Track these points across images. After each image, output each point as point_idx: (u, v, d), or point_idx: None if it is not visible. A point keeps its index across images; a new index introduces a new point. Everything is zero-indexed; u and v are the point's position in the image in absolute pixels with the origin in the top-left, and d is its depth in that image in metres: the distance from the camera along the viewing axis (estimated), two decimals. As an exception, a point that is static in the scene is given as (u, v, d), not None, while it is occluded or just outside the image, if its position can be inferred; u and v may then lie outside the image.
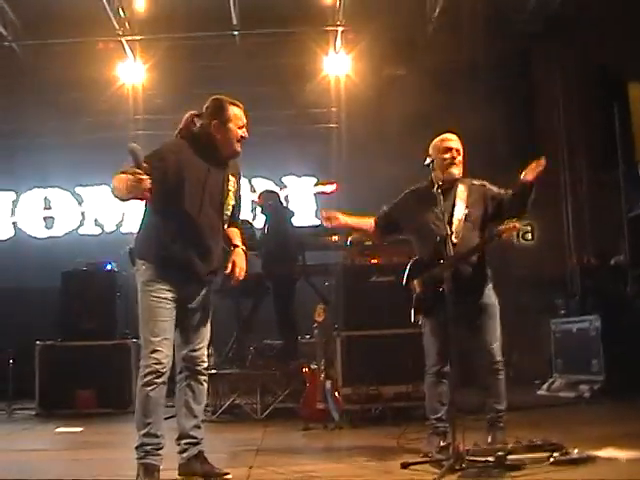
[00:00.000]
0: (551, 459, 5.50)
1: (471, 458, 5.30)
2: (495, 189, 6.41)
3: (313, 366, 8.80)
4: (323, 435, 8.03)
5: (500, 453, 5.35)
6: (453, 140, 6.44)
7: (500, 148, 12.20)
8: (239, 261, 5.66)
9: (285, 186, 14.60)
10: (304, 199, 14.50)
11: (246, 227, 10.44)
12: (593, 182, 13.51)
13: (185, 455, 5.56)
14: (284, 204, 11.29)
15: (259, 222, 13.26)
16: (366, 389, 8.75)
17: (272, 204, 10.78)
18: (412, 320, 6.31)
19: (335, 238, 9.97)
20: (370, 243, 9.36)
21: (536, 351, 12.32)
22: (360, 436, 7.75)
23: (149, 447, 5.25)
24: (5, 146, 14.44)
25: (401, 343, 8.71)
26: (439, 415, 6.22)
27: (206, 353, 5.72)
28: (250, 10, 12.55)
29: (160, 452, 5.31)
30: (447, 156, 6.34)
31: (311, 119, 14.34)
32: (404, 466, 5.65)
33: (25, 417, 10.46)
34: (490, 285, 6.36)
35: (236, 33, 12.83)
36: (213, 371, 9.71)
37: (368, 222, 6.75)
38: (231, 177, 5.69)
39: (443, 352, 6.14)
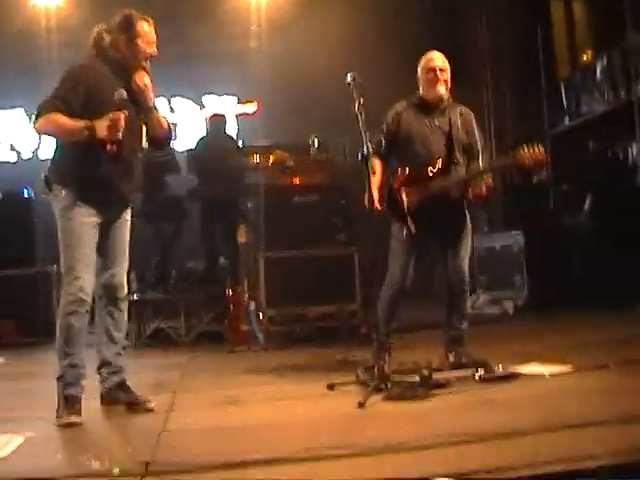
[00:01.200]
0: (476, 376, 5.55)
1: (396, 378, 5.30)
2: (476, 133, 6.36)
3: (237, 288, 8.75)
4: (248, 357, 8.01)
5: (424, 372, 5.36)
6: (437, 58, 6.35)
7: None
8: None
9: (204, 106, 14.35)
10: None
11: (168, 149, 10.36)
12: (516, 100, 13.51)
13: (107, 384, 5.45)
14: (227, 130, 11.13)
15: (180, 145, 13.16)
16: (290, 310, 8.73)
17: (217, 126, 10.66)
18: (411, 231, 6.15)
19: (256, 159, 9.82)
20: (292, 163, 9.27)
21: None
22: (286, 357, 7.69)
23: (71, 377, 5.14)
24: None
25: (325, 263, 8.74)
26: (389, 330, 6.22)
27: (125, 279, 5.56)
28: None
29: (82, 382, 5.20)
30: (431, 75, 6.27)
31: (231, 37, 14.04)
32: (330, 387, 5.64)
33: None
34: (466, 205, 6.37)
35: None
36: (135, 297, 9.62)
37: (380, 166, 6.41)
38: None
39: (408, 268, 6.18)
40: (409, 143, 6.29)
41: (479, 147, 6.28)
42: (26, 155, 14.53)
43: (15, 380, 7.48)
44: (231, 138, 11.26)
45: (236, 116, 14.21)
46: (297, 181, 9.34)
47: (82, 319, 5.21)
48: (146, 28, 5.40)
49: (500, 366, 5.66)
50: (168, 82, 13.78)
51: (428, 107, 6.32)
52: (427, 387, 5.23)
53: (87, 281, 5.21)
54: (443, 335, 6.34)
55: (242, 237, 8.91)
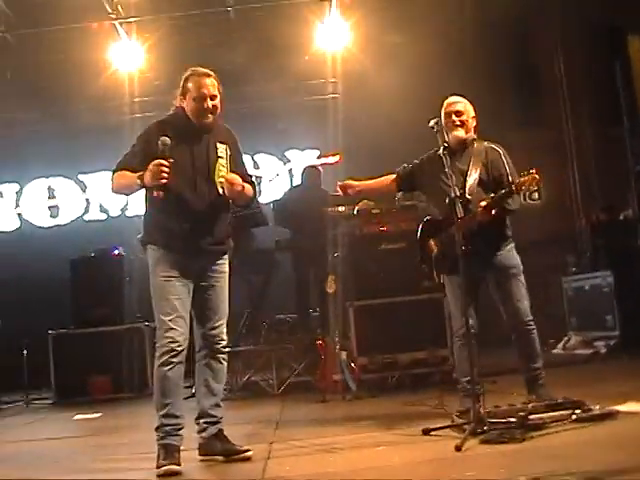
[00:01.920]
0: (573, 416, 5.47)
1: (492, 420, 5.27)
2: (504, 166, 6.31)
3: (327, 338, 8.78)
4: (341, 406, 8.00)
5: (521, 413, 5.33)
6: (454, 103, 6.50)
7: (505, 106, 12.12)
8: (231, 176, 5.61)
9: (289, 160, 14.52)
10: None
11: (254, 202, 10.49)
12: (598, 137, 13.40)
13: (205, 434, 5.54)
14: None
15: (264, 198, 13.34)
16: (382, 358, 8.73)
17: (315, 182, 10.77)
18: (435, 281, 6.21)
19: (341, 209, 9.88)
20: (377, 211, 9.31)
21: (549, 310, 12.25)
22: (379, 405, 7.72)
23: (169, 427, 5.24)
24: (5, 137, 14.37)
25: (414, 310, 8.75)
26: (470, 378, 6.15)
27: (225, 331, 5.73)
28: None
29: (180, 432, 5.31)
30: (448, 120, 6.41)
31: (310, 91, 14.23)
32: (425, 432, 5.62)
33: (42, 406, 10.53)
34: (511, 245, 6.35)
35: (230, 9, 12.69)
36: (227, 349, 9.71)
37: (385, 178, 6.91)
38: (219, 144, 5.70)
39: (467, 314, 6.08)
40: (434, 190, 6.35)
41: (510, 179, 6.19)
42: (114, 213, 14.85)
43: (115, 433, 7.61)
44: (326, 192, 11.34)
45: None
46: (383, 229, 9.36)
47: (177, 370, 5.33)
48: (197, 82, 5.62)
49: (597, 406, 5.57)
50: (251, 139, 14.07)
51: (451, 151, 6.30)
52: (524, 429, 5.18)
53: (179, 332, 5.35)
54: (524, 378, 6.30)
55: (331, 287, 8.94)
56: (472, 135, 6.46)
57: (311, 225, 9.98)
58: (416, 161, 6.73)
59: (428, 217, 6.47)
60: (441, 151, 5.98)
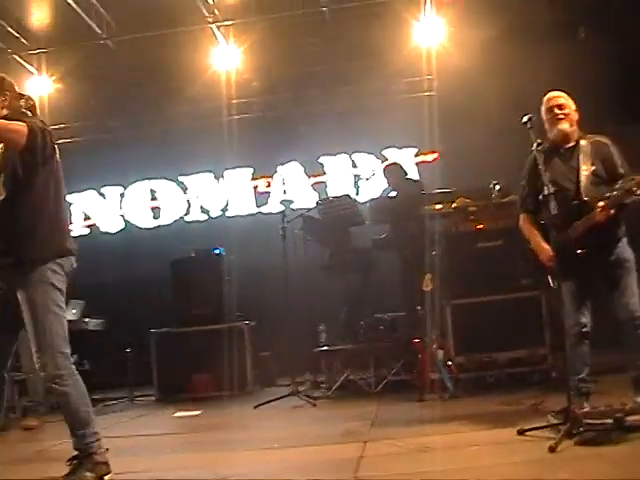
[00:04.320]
0: (676, 419, 5.33)
1: (589, 421, 5.18)
2: (615, 159, 6.16)
3: (425, 337, 8.75)
4: (438, 405, 7.95)
5: (618, 415, 5.21)
6: (555, 97, 6.36)
7: (606, 100, 11.88)
8: None
9: (386, 159, 14.50)
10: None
11: (350, 202, 10.52)
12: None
13: None
14: (408, 175, 11.14)
15: (363, 196, 13.37)
16: (479, 357, 8.66)
17: (399, 176, 10.71)
18: (551, 285, 6.10)
19: (439, 206, 9.84)
20: (474, 208, 9.25)
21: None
22: (475, 404, 7.66)
23: None
24: (111, 142, 14.72)
25: (512, 308, 8.63)
26: (582, 376, 6.07)
27: (46, 362, 5.11)
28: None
29: None
30: (551, 114, 6.28)
31: (407, 89, 14.19)
32: (520, 432, 5.57)
33: (145, 403, 10.82)
34: (625, 240, 6.17)
35: (325, 9, 12.75)
36: (325, 347, 9.82)
37: (531, 223, 6.50)
38: None
39: (582, 312, 6.08)
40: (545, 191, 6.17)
41: (621, 170, 6.06)
42: (215, 214, 15.09)
43: (214, 431, 7.77)
44: (414, 181, 11.27)
45: (416, 164, 14.32)
46: (481, 226, 9.28)
47: None
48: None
49: None
50: (349, 138, 14.12)
51: (557, 148, 6.25)
52: (621, 431, 5.08)
53: None
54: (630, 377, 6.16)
55: (428, 285, 8.90)
56: (576, 129, 6.31)
57: (409, 223, 9.95)
58: (523, 182, 6.51)
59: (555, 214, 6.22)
60: (534, 147, 5.90)
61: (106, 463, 5.17)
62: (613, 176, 6.07)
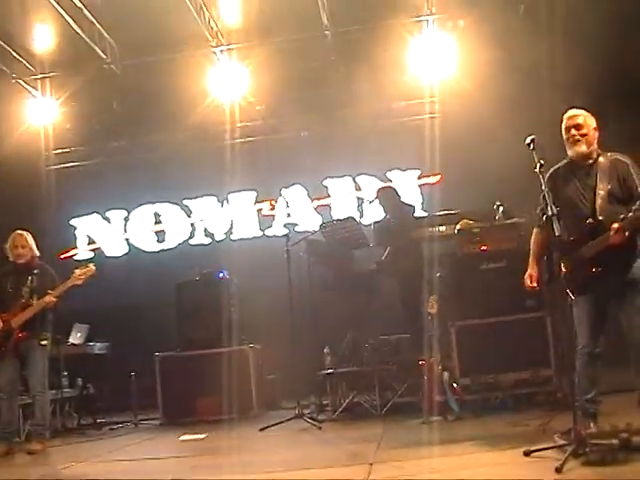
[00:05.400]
0: (681, 439, 5.31)
1: (594, 442, 5.17)
2: (634, 178, 6.10)
3: (429, 359, 8.74)
4: (443, 427, 7.94)
5: (624, 435, 5.20)
6: (573, 116, 6.31)
7: (611, 124, 11.88)
8: None
9: (390, 180, 14.52)
10: (409, 192, 14.32)
11: (353, 224, 10.53)
12: None
13: None
14: (402, 199, 11.11)
15: (367, 219, 13.37)
16: (484, 378, 8.65)
17: (393, 200, 10.69)
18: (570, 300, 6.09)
19: (442, 229, 9.86)
20: (478, 230, 9.27)
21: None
22: (481, 426, 7.65)
23: None
24: (115, 166, 14.79)
25: (517, 329, 8.66)
26: (589, 396, 6.07)
27: None
28: (339, 8, 12.54)
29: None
30: (568, 134, 6.26)
31: (410, 111, 14.25)
32: (527, 454, 5.55)
33: (150, 427, 10.77)
34: (639, 260, 6.14)
35: (327, 32, 12.84)
36: (330, 370, 9.81)
37: (540, 241, 6.51)
38: None
39: (595, 332, 6.07)
40: (562, 209, 6.03)
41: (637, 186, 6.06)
42: (219, 237, 15.12)
43: (219, 454, 7.75)
44: (409, 206, 11.22)
45: (419, 186, 14.35)
46: (484, 248, 9.30)
47: None
48: None
49: None
50: (353, 160, 14.16)
51: (576, 166, 6.25)
52: (628, 451, 5.07)
53: None
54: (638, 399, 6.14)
55: (432, 307, 8.90)
56: (595, 148, 6.26)
57: (405, 245, 9.96)
58: (542, 194, 6.48)
59: (557, 235, 6.20)
60: (537, 169, 5.89)
61: None
62: (631, 196, 6.06)
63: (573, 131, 6.23)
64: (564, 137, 6.31)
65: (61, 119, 14.31)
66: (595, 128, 6.27)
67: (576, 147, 6.22)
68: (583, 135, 6.22)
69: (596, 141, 6.30)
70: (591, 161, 6.22)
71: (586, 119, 6.28)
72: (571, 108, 6.42)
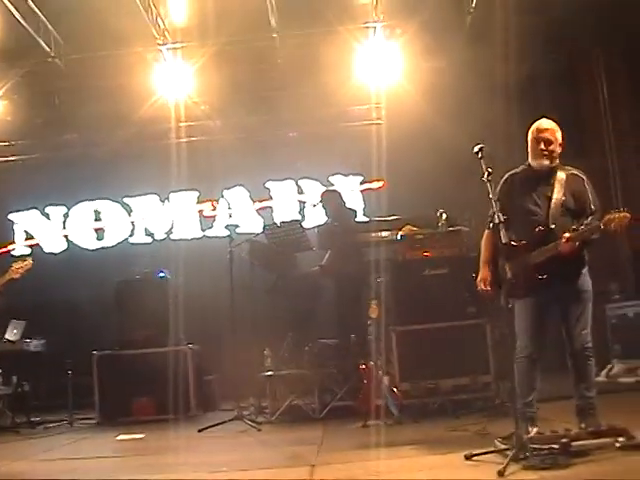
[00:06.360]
0: (617, 444, 5.42)
1: (535, 446, 5.25)
2: (588, 194, 6.28)
3: (370, 363, 8.78)
4: (383, 431, 7.94)
5: (564, 440, 5.29)
6: (545, 130, 6.38)
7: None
8: None
9: (333, 185, 14.57)
10: (352, 197, 14.35)
11: (297, 227, 10.53)
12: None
13: None
14: (346, 203, 11.11)
15: (309, 222, 13.38)
16: (424, 383, 8.73)
17: (336, 204, 10.69)
18: (503, 303, 6.17)
19: (385, 234, 9.91)
20: (421, 236, 9.35)
21: (592, 338, 12.15)
22: (421, 430, 7.71)
23: None
24: (56, 161, 14.61)
25: (457, 335, 8.75)
26: (528, 400, 6.15)
27: None
28: (288, 11, 12.54)
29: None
30: (536, 147, 6.35)
31: (355, 117, 14.32)
32: (468, 457, 5.62)
33: (87, 426, 10.61)
34: (585, 270, 6.31)
35: (275, 35, 12.84)
36: (270, 372, 9.79)
37: (490, 244, 6.50)
38: None
39: (535, 337, 6.16)
40: (515, 214, 6.24)
41: (592, 207, 6.20)
42: (159, 236, 15.03)
43: (157, 454, 7.70)
44: (351, 210, 11.21)
45: (361, 192, 14.42)
46: (427, 254, 9.37)
47: None
48: None
49: (641, 434, 5.53)
50: (295, 165, 14.19)
51: (534, 175, 6.36)
52: (567, 455, 5.17)
53: None
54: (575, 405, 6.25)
55: (374, 312, 8.94)
56: (556, 162, 6.37)
57: (348, 249, 9.98)
58: (497, 197, 6.19)
59: (507, 240, 6.25)
60: (485, 177, 5.94)
61: None
62: (583, 210, 6.22)
63: (542, 145, 6.33)
64: (530, 146, 6.42)
65: (1, 111, 14.10)
66: (560, 144, 6.37)
67: (541, 160, 6.34)
68: (550, 151, 6.33)
69: (559, 155, 6.41)
70: (550, 173, 6.33)
71: (556, 134, 6.39)
72: (542, 117, 6.51)
